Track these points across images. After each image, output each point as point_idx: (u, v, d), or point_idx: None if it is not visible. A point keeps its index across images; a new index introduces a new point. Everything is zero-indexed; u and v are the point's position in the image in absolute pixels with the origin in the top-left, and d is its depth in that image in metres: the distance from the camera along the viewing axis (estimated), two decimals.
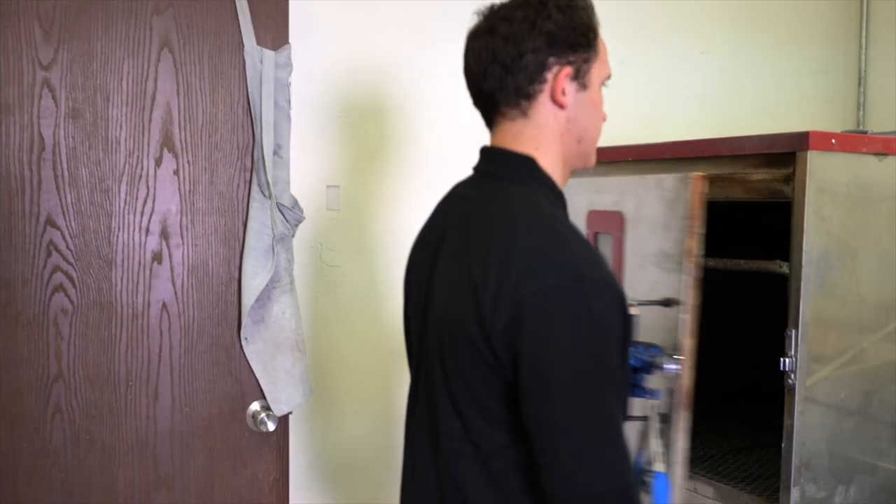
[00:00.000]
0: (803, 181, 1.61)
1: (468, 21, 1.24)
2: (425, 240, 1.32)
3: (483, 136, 1.29)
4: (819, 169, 1.62)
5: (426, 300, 1.23)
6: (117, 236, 1.68)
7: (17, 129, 1.60)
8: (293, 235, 1.81)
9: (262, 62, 1.74)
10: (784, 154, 1.65)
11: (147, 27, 1.68)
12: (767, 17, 2.80)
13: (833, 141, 1.63)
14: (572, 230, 1.16)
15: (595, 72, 1.23)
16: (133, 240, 1.69)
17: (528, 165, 1.21)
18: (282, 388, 1.77)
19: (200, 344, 1.76)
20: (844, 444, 1.71)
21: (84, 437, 1.68)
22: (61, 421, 1.66)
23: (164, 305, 1.73)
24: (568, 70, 1.19)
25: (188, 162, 1.73)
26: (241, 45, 1.74)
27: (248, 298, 1.72)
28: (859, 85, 2.99)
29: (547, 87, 1.19)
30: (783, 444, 1.64)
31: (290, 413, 1.85)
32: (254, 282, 1.72)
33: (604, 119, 1.30)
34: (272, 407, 1.77)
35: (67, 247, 1.64)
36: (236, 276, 1.76)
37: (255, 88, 1.74)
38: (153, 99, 1.70)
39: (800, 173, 1.61)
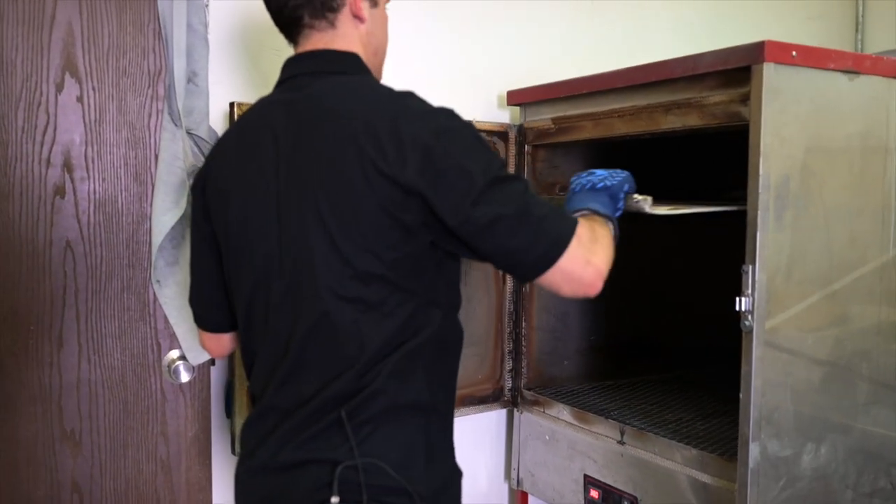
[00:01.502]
0: (760, 97, 1.44)
1: None
2: (246, 147, 1.29)
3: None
4: (778, 85, 1.45)
5: (276, 197, 1.23)
6: (14, 167, 1.55)
7: None
8: None
9: None
10: (741, 70, 1.48)
11: None
12: None
13: (794, 53, 1.46)
14: None
15: None
16: (32, 171, 1.56)
17: (356, 59, 1.31)
18: (197, 336, 1.63)
19: (110, 287, 1.63)
20: (813, 398, 1.55)
21: None
22: None
23: (69, 243, 1.59)
24: None
25: (93, 88, 1.60)
26: None
27: (158, 236, 1.59)
28: (857, 31, 2.80)
29: (348, 2, 1.30)
30: (741, 395, 1.47)
31: (212, 364, 1.71)
32: (163, 218, 1.59)
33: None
34: (187, 356, 1.64)
35: None
36: (149, 213, 1.63)
37: (167, 9, 1.60)
38: (52, 18, 1.56)
39: (755, 88, 1.45)
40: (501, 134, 2.06)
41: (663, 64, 1.64)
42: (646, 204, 1.46)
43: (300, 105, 1.25)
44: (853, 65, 1.55)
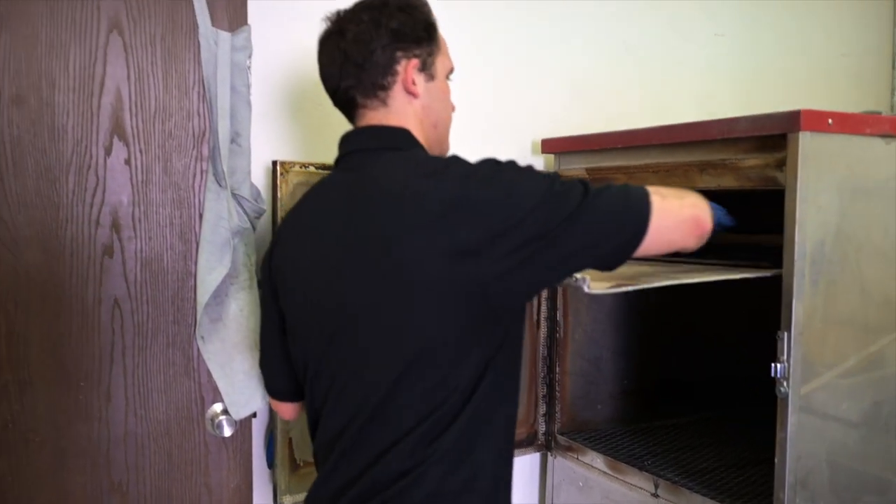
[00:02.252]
0: (795, 165, 1.45)
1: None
2: (309, 229, 1.34)
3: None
4: (814, 152, 1.46)
5: (338, 287, 1.26)
6: (65, 229, 1.60)
7: None
8: (255, 228, 1.72)
9: (217, 44, 1.65)
10: (776, 136, 1.49)
11: (94, 8, 1.60)
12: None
13: (830, 121, 1.47)
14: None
15: (439, 64, 1.38)
16: (82, 232, 1.61)
17: (406, 134, 1.33)
18: (240, 390, 1.67)
19: (155, 343, 1.67)
20: (849, 461, 1.55)
21: (33, 439, 1.61)
22: (9, 422, 1.59)
23: (116, 301, 1.64)
24: (415, 62, 1.33)
25: (140, 150, 1.64)
26: (196, 26, 1.65)
27: (203, 295, 1.63)
28: (893, 68, 2.78)
29: (399, 79, 1.33)
30: (776, 460, 1.48)
31: (254, 416, 1.75)
32: (209, 277, 1.63)
33: (452, 109, 1.44)
34: (230, 410, 1.68)
35: (12, 239, 1.57)
36: (193, 271, 1.67)
37: (211, 73, 1.65)
38: (102, 84, 1.61)
39: (791, 157, 1.46)
40: None
41: (699, 125, 1.65)
42: (584, 283, 1.34)
43: (358, 185, 1.29)
44: (890, 129, 1.56)
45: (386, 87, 1.33)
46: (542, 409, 2.15)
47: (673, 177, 1.75)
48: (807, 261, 1.46)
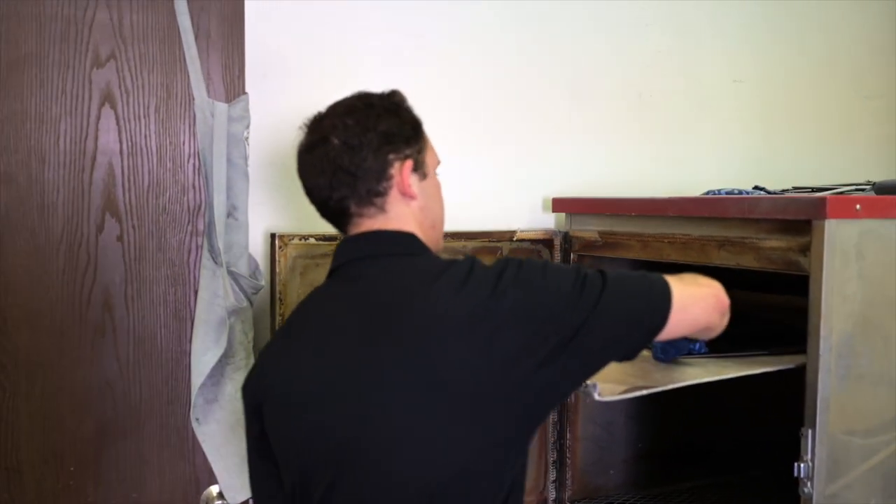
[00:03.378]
0: (821, 254, 1.36)
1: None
2: (305, 352, 1.21)
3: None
4: (841, 240, 1.38)
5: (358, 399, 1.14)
6: (55, 309, 1.55)
7: None
8: (252, 304, 1.65)
9: (213, 116, 1.58)
10: (800, 221, 1.41)
11: (86, 81, 1.55)
12: (810, 40, 2.53)
13: (858, 206, 1.39)
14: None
15: (429, 160, 1.31)
16: (73, 312, 1.56)
17: (412, 240, 1.26)
18: (235, 474, 1.61)
19: (150, 424, 1.62)
20: None
21: None
22: None
23: (108, 383, 1.59)
24: (409, 163, 1.26)
25: (133, 227, 1.59)
26: (192, 97, 1.58)
27: (198, 376, 1.57)
28: None
29: (394, 182, 1.25)
30: None
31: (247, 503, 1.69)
32: (203, 358, 1.57)
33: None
34: (225, 495, 1.62)
35: (1, 319, 1.52)
36: (188, 350, 1.61)
37: (207, 145, 1.58)
38: (93, 159, 1.56)
39: (816, 245, 1.37)
40: (546, 242, 2.01)
41: (717, 201, 1.57)
42: (594, 390, 1.27)
43: (365, 297, 1.20)
44: None
45: (382, 193, 1.25)
46: (553, 475, 2.07)
47: (689, 250, 1.67)
48: (832, 354, 1.37)
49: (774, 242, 1.48)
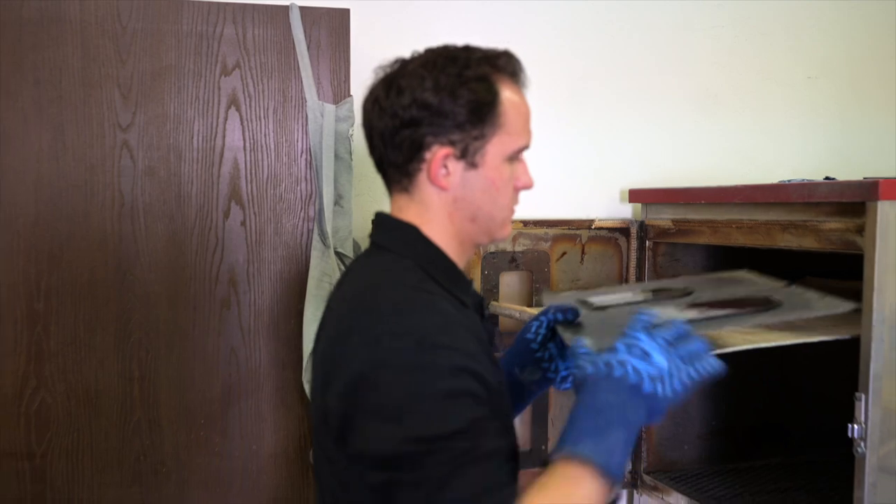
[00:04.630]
0: (873, 234, 1.48)
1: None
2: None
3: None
4: (893, 220, 1.49)
5: None
6: (189, 285, 1.80)
7: (100, 187, 1.75)
8: None
9: (322, 116, 1.80)
10: (856, 203, 1.53)
11: (216, 87, 1.79)
12: (877, 36, 2.59)
13: None
14: (424, 305, 1.07)
15: (494, 148, 1.12)
16: (203, 288, 1.81)
17: (408, 235, 1.14)
18: None
19: (267, 386, 1.85)
20: None
21: (160, 471, 1.81)
22: (140, 455, 1.79)
23: (233, 350, 1.83)
24: (447, 151, 1.10)
25: (254, 213, 1.82)
26: (304, 100, 1.81)
27: (308, 343, 1.79)
28: None
29: (425, 167, 1.11)
30: None
31: None
32: (313, 327, 1.78)
33: (523, 188, 1.18)
34: None
35: (145, 294, 1.77)
36: (300, 320, 1.84)
37: (317, 141, 1.80)
38: (221, 155, 1.80)
39: (869, 225, 1.49)
40: (623, 230, 2.16)
41: (780, 187, 1.70)
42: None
43: (336, 294, 1.19)
44: None
45: (409, 174, 1.12)
46: None
47: (756, 234, 1.79)
48: (885, 325, 1.48)
49: (833, 224, 1.60)
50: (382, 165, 1.16)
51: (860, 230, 1.53)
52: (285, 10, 1.80)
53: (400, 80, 1.11)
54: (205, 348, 1.81)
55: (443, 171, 1.11)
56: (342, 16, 1.85)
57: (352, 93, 1.85)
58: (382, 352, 1.00)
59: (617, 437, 1.02)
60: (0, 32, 1.69)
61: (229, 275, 1.82)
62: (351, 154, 1.84)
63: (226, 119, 1.80)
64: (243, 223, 1.82)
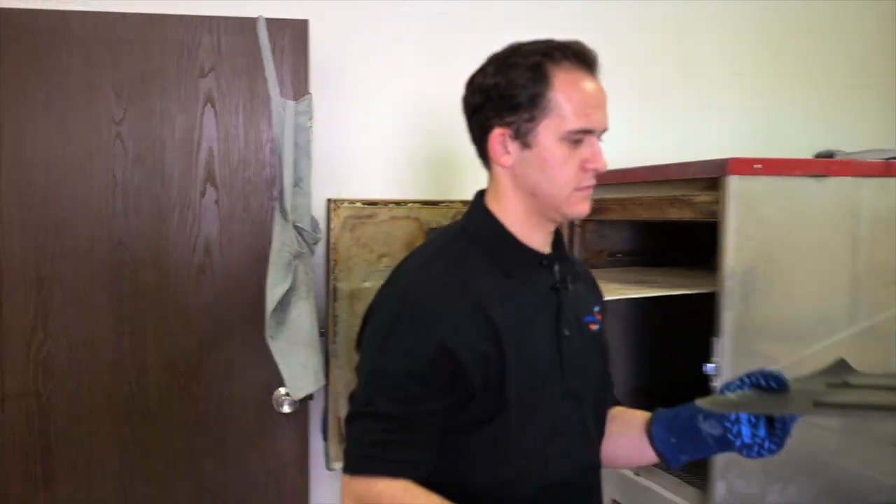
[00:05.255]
0: (724, 203, 1.78)
1: None
2: None
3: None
4: (744, 192, 1.78)
5: None
6: (171, 253, 2.14)
7: (99, 171, 2.10)
8: (313, 252, 2.19)
9: (284, 111, 2.13)
10: (714, 178, 1.82)
11: (194, 88, 2.13)
12: (810, 33, 2.87)
13: (757, 166, 1.79)
14: (428, 266, 1.28)
15: (545, 129, 1.23)
16: (183, 256, 2.14)
17: (475, 207, 1.33)
18: (298, 377, 2.14)
19: (236, 340, 2.18)
20: None
21: (146, 413, 2.14)
22: (130, 399, 2.13)
23: (208, 307, 2.16)
24: (501, 131, 1.24)
25: (226, 193, 2.16)
26: (269, 97, 2.14)
27: (270, 304, 2.11)
28: None
29: (488, 146, 1.27)
30: None
31: (310, 398, 2.23)
32: (274, 290, 2.11)
33: (592, 169, 1.26)
34: (291, 393, 2.16)
35: (133, 261, 2.12)
36: (264, 285, 2.16)
37: (280, 132, 2.13)
38: (199, 144, 2.14)
39: (721, 196, 1.79)
40: None
41: (664, 168, 2.00)
42: None
43: None
44: (820, 170, 1.85)
45: (484, 153, 1.30)
46: None
47: (652, 209, 2.09)
48: (737, 280, 1.78)
49: (703, 197, 1.90)
50: (476, 149, 1.32)
51: (719, 201, 1.82)
52: (254, 21, 2.13)
53: (475, 72, 1.29)
54: (184, 307, 2.15)
55: (501, 149, 1.26)
56: (302, 26, 2.19)
57: (310, 91, 2.18)
58: (380, 297, 1.27)
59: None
60: (19, 40, 2.04)
61: (205, 245, 2.15)
62: (309, 143, 2.16)
63: (202, 114, 2.14)
64: (217, 202, 2.16)
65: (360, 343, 1.30)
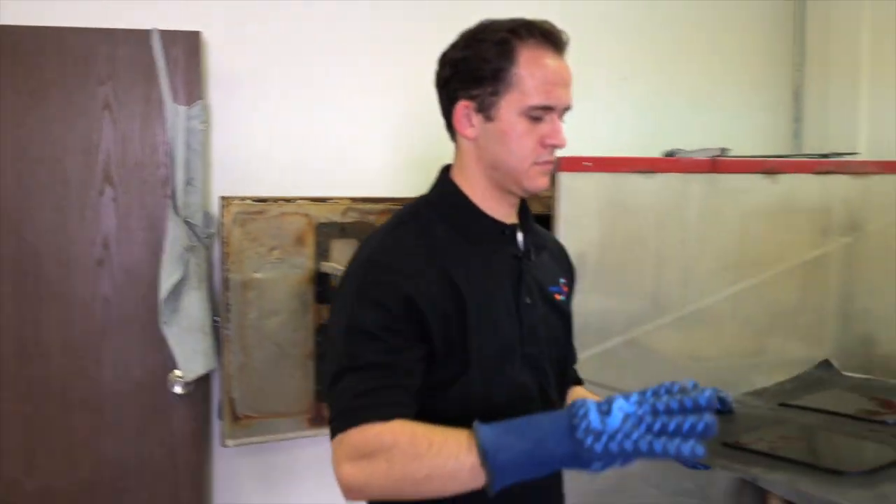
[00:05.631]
0: (558, 197, 1.98)
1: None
2: None
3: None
4: (575, 187, 1.99)
5: None
6: (70, 247, 2.32)
7: (4, 173, 2.27)
8: (206, 246, 2.38)
9: (177, 115, 2.32)
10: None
11: (94, 95, 2.31)
12: (699, 35, 3.09)
13: (587, 163, 1.99)
14: (391, 232, 1.32)
15: (507, 104, 1.27)
16: (82, 249, 2.32)
17: (440, 179, 1.38)
18: (190, 360, 2.33)
19: (135, 326, 2.36)
20: None
21: (48, 393, 2.32)
22: (33, 380, 2.31)
23: (106, 298, 2.34)
24: (466, 103, 1.29)
25: (123, 192, 2.34)
26: (163, 103, 2.33)
27: (164, 293, 2.30)
28: (795, 98, 3.19)
29: (453, 118, 1.32)
30: None
31: (205, 381, 2.41)
32: (168, 281, 2.30)
33: (552, 145, 1.29)
34: (183, 374, 2.34)
35: (35, 254, 2.30)
36: (158, 275, 2.35)
37: (173, 136, 2.32)
38: (97, 147, 2.32)
39: (555, 191, 1.99)
40: None
41: None
42: None
43: None
44: (647, 167, 2.06)
45: (451, 126, 1.34)
46: None
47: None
48: (587, 269, 1.97)
49: (546, 193, 2.10)
50: (445, 121, 1.35)
51: (552, 195, 2.03)
52: (149, 33, 2.32)
53: (448, 47, 1.33)
54: (84, 296, 2.33)
55: (465, 121, 1.30)
56: (194, 37, 2.37)
57: (207, 97, 2.37)
58: (348, 269, 1.31)
59: (521, 446, 1.04)
60: None
61: (103, 240, 2.34)
62: (201, 145, 2.36)
63: (101, 119, 2.32)
64: (115, 200, 2.34)
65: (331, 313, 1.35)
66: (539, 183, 1.32)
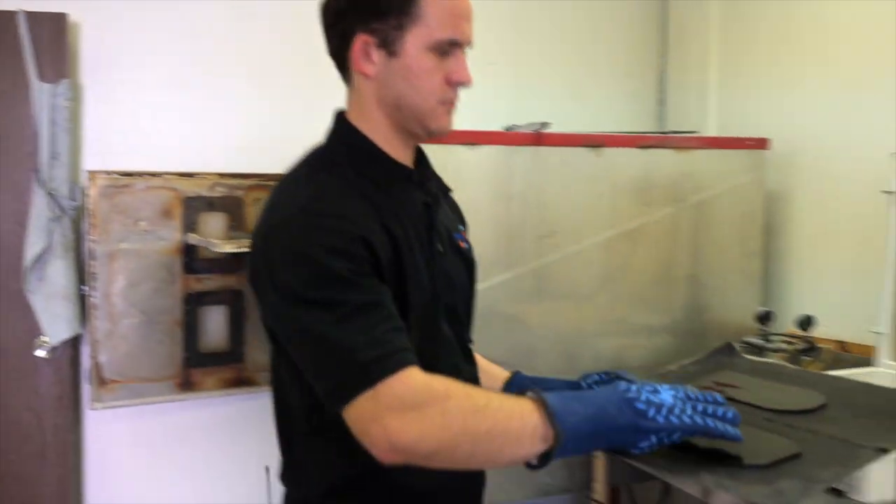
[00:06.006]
0: None
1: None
2: None
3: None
4: None
5: None
6: None
7: None
8: (72, 218, 2.50)
9: (42, 93, 2.45)
10: None
11: None
12: (573, 29, 3.27)
13: None
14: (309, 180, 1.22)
15: (412, 38, 1.20)
16: None
17: (337, 123, 1.29)
18: (55, 325, 2.45)
19: (3, 294, 2.48)
20: None
21: None
22: None
23: None
24: (365, 38, 1.20)
25: None
26: (30, 82, 2.45)
27: (29, 261, 2.42)
28: (660, 84, 3.39)
29: (351, 55, 1.22)
30: None
31: (73, 345, 2.53)
32: (32, 250, 2.42)
33: (457, 82, 1.24)
34: (49, 339, 2.46)
35: None
36: (24, 244, 2.47)
37: (38, 112, 2.44)
38: None
39: None
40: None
41: None
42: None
43: None
44: (472, 139, 2.22)
45: (344, 64, 1.24)
46: None
47: None
48: None
49: None
50: (335, 62, 1.26)
51: None
52: (14, 14, 2.44)
53: None
54: None
55: (364, 58, 1.21)
56: (60, 19, 2.49)
57: (78, 76, 2.50)
58: (272, 220, 1.17)
59: (585, 411, 1.05)
60: None
61: None
62: (66, 121, 2.48)
63: None
64: None
65: (257, 274, 1.19)
66: (444, 123, 1.26)
